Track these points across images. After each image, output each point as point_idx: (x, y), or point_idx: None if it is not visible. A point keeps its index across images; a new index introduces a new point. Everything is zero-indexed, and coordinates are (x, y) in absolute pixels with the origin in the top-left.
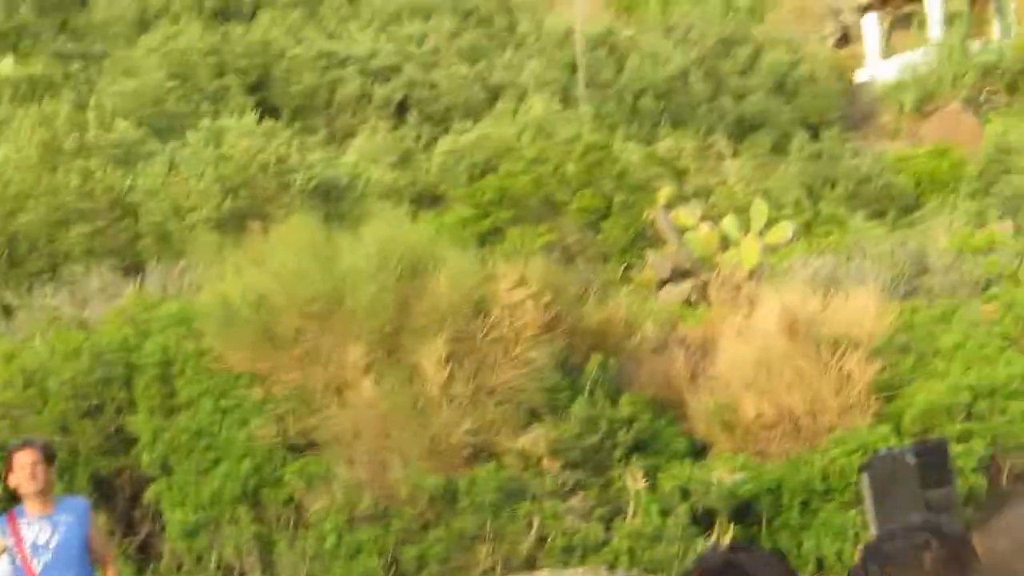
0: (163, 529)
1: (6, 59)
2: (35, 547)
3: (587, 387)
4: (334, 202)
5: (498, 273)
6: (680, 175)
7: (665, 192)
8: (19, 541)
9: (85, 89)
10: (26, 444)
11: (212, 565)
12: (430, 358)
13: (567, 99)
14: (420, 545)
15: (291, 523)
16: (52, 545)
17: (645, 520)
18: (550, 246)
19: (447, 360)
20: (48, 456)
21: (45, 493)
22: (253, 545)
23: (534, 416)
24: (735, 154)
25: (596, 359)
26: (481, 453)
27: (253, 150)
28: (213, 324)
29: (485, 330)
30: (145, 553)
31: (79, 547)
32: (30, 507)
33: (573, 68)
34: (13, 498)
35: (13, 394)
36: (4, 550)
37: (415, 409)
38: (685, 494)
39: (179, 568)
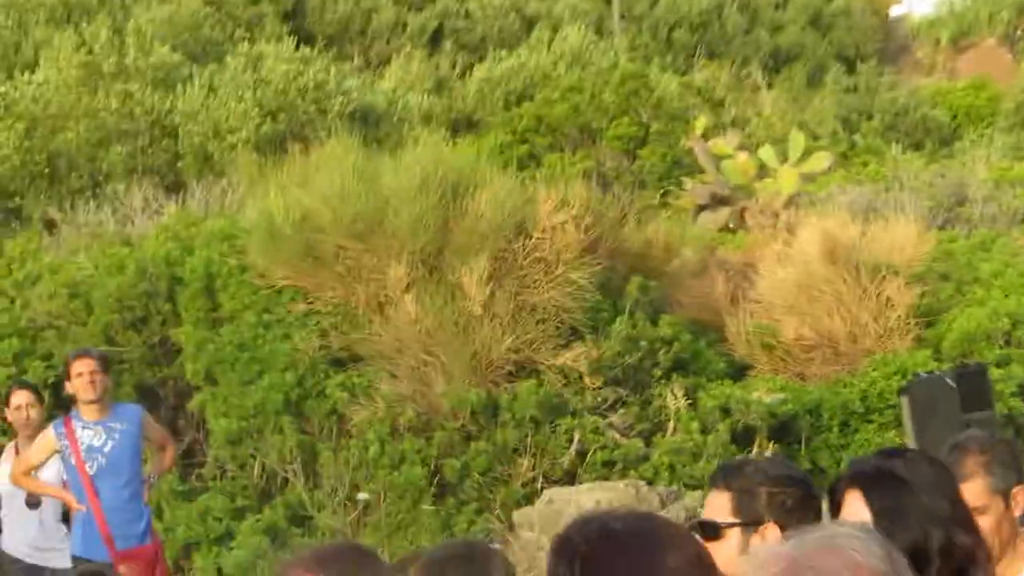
0: (207, 437)
1: None
2: (90, 450)
3: (627, 308)
4: (372, 127)
5: (539, 195)
6: (716, 106)
7: (702, 121)
8: (74, 444)
9: (121, 14)
10: (85, 353)
11: (255, 472)
12: (472, 276)
13: (601, 31)
14: (462, 457)
15: (334, 433)
16: (107, 450)
17: (685, 437)
18: (587, 173)
19: (488, 279)
20: (105, 365)
21: (101, 400)
22: (296, 453)
23: (575, 335)
24: (770, 87)
25: (636, 281)
26: (522, 370)
27: (291, 74)
28: (257, 241)
29: (526, 251)
30: (189, 459)
31: (132, 453)
32: (86, 413)
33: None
34: (67, 406)
35: (59, 305)
36: (57, 452)
37: (457, 326)
38: (725, 412)
39: (222, 475)
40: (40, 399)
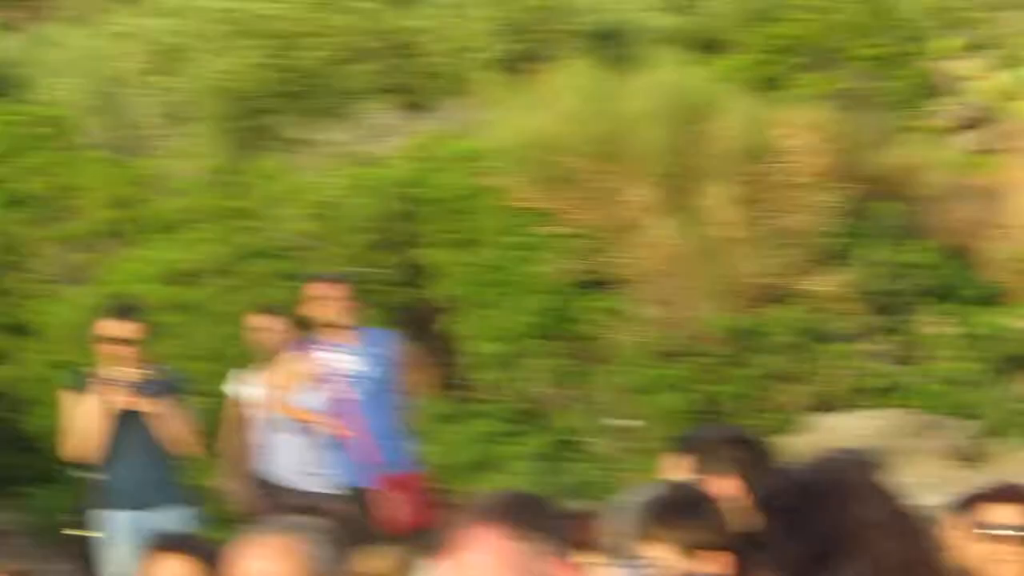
0: (461, 359)
1: None
2: (347, 375)
3: (876, 232)
4: (614, 47)
5: (783, 118)
6: (967, 26)
7: (954, 42)
8: (329, 369)
9: None
10: (332, 277)
11: (511, 396)
12: (717, 199)
13: None
14: (718, 384)
15: (591, 358)
16: (365, 374)
17: (947, 364)
18: (834, 94)
19: (734, 202)
20: (349, 287)
21: (351, 326)
22: (552, 377)
23: (825, 259)
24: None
25: (885, 204)
26: (772, 294)
27: None
28: (504, 161)
29: (771, 174)
30: (447, 383)
31: (390, 377)
32: (337, 337)
33: None
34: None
35: (306, 226)
36: (313, 377)
37: (704, 251)
38: (983, 339)
39: (483, 399)
40: (286, 322)
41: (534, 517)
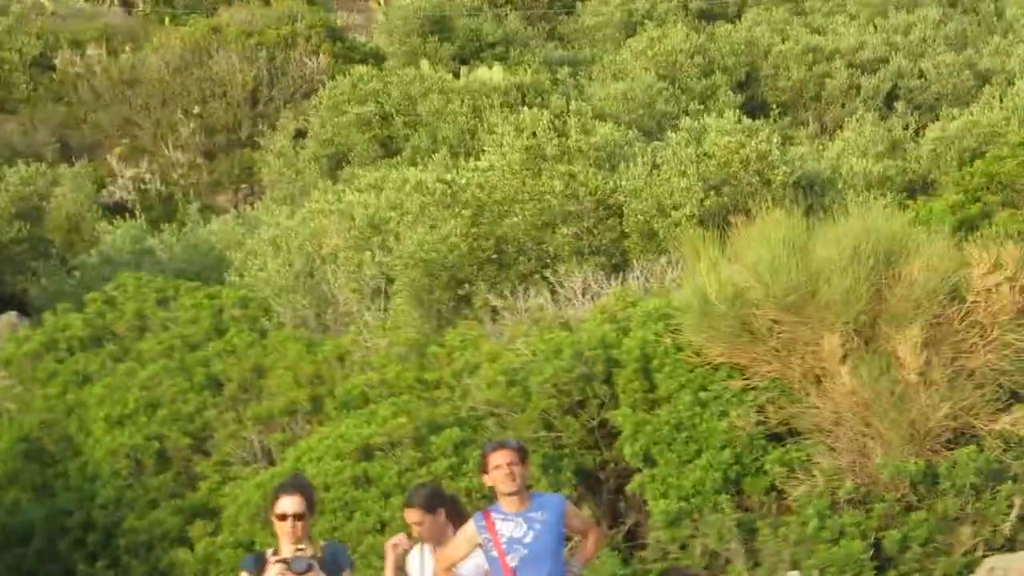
0: (647, 519)
1: (496, 68)
2: (511, 542)
3: None
4: (816, 196)
5: (979, 256)
6: None
7: None
8: (495, 537)
9: (574, 94)
10: (502, 445)
11: (696, 552)
12: (907, 344)
13: None
14: (902, 528)
15: (773, 510)
16: (528, 541)
17: None
18: None
19: (924, 346)
20: (523, 456)
21: (521, 491)
22: (736, 532)
23: (1014, 398)
24: None
25: None
26: (960, 436)
27: (734, 147)
28: (691, 318)
29: (961, 315)
30: (630, 542)
31: (554, 543)
32: (506, 505)
33: None
34: (489, 498)
35: (499, 393)
36: (479, 546)
37: (893, 395)
38: None
39: (664, 556)
40: (440, 512)
41: None
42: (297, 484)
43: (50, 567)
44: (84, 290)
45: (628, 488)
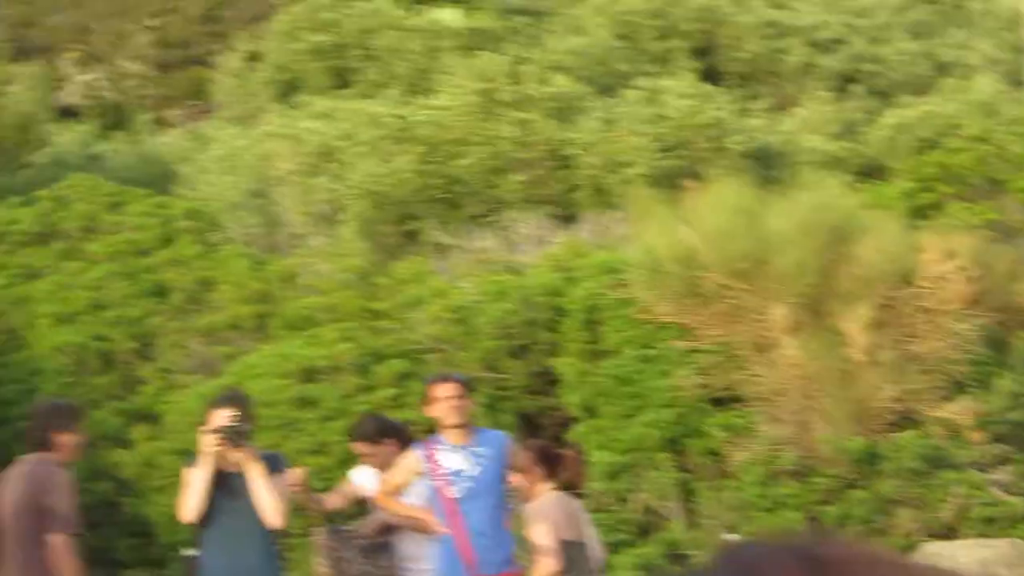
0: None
1: (454, 11)
2: (456, 475)
3: (1012, 362)
4: (768, 168)
5: (925, 245)
6: None
7: None
8: (436, 467)
9: (529, 44)
10: (447, 377)
11: (632, 507)
12: (855, 322)
13: (1015, 82)
14: (841, 505)
15: (713, 473)
16: (474, 474)
17: None
18: (990, 224)
19: (872, 326)
20: (468, 389)
21: (466, 424)
22: (674, 491)
23: (959, 387)
24: None
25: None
26: (904, 420)
27: (691, 111)
28: (640, 275)
29: (910, 300)
30: (567, 490)
31: (498, 478)
32: (450, 437)
33: (1021, 50)
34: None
35: (443, 329)
36: (420, 475)
37: (840, 372)
38: None
39: (600, 508)
40: (391, 442)
41: None
42: (234, 398)
43: None
44: (34, 187)
45: (567, 436)
